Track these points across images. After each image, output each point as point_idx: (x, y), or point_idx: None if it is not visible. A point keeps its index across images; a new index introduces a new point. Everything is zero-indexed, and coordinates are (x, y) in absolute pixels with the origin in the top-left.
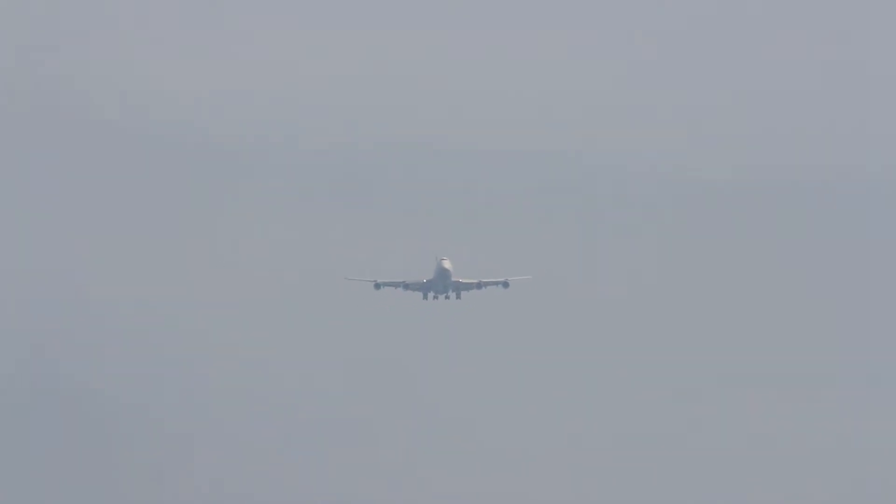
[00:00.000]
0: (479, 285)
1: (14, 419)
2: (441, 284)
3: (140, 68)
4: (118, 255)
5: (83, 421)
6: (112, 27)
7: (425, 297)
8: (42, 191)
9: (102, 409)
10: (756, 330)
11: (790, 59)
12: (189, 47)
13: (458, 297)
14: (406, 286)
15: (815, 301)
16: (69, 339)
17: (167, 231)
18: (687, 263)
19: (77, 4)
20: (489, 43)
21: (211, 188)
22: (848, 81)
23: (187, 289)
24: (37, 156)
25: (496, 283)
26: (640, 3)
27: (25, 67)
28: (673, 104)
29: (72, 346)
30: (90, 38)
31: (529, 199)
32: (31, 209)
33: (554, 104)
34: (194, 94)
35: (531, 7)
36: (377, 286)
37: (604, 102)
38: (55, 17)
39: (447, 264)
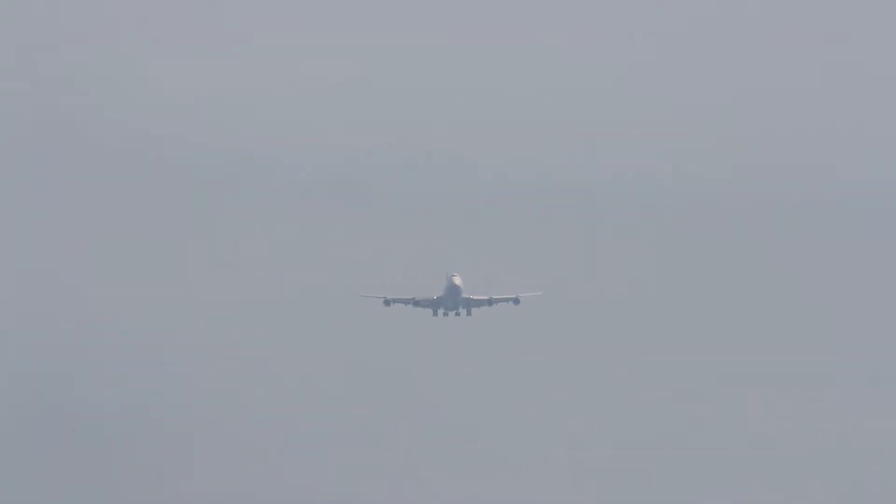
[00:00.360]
0: (489, 302)
1: (13, 422)
2: (451, 301)
3: (141, 70)
4: (118, 264)
5: (82, 426)
6: (111, 28)
7: (435, 313)
8: (40, 193)
9: (104, 418)
10: (764, 333)
11: (790, 59)
12: (189, 49)
13: (469, 313)
14: (416, 303)
15: (815, 302)
16: (66, 344)
17: (168, 236)
18: (695, 274)
19: (76, 5)
20: (491, 45)
21: (216, 195)
22: (848, 82)
23: (197, 305)
24: (35, 157)
25: (507, 300)
26: (639, 4)
27: (24, 68)
28: (673, 105)
29: (69, 351)
30: (89, 38)
31: (536, 211)
32: (30, 211)
33: (554, 107)
34: (195, 97)
35: (531, 8)
36: (387, 302)
37: (604, 105)
38: (54, 17)
39: (458, 280)
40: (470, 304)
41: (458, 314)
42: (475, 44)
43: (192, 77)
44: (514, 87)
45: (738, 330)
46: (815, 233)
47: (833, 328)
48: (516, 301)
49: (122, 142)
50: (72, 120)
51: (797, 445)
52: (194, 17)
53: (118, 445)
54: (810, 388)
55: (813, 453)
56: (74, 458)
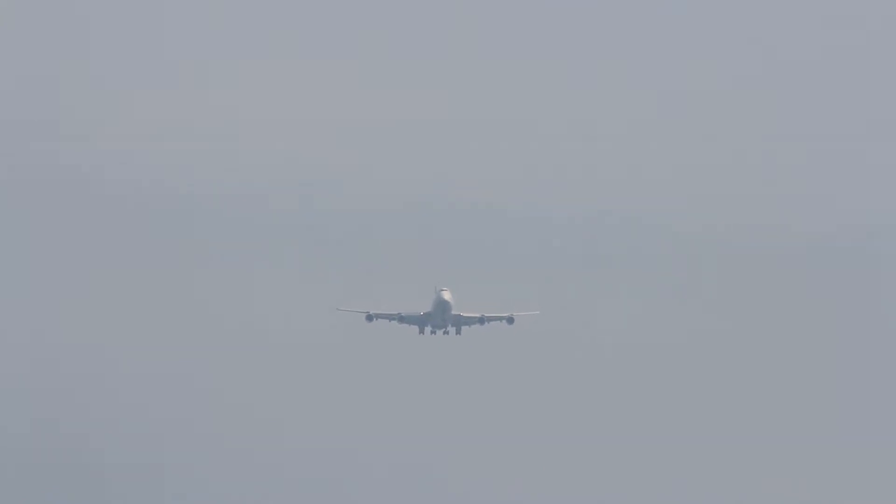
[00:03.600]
0: (481, 320)
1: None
2: (440, 318)
3: (119, 120)
4: (86, 309)
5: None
6: (84, 79)
7: (422, 331)
8: (8, 251)
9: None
10: (755, 376)
11: (796, 128)
12: (171, 99)
13: (459, 332)
14: (401, 319)
15: (819, 359)
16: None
17: (137, 281)
18: (687, 303)
19: (46, 53)
20: (478, 90)
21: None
22: (857, 141)
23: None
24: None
25: (500, 319)
26: (640, 61)
27: None
28: (673, 158)
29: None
30: (60, 85)
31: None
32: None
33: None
34: (169, 147)
35: (530, 63)
36: (369, 318)
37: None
38: (25, 67)
39: (447, 296)
40: (460, 322)
41: (446, 332)
42: (440, 71)
43: (164, 130)
44: (509, 135)
45: (736, 368)
46: (818, 289)
47: (836, 385)
48: (510, 320)
49: (96, 198)
50: (38, 174)
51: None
52: (177, 70)
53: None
54: (813, 441)
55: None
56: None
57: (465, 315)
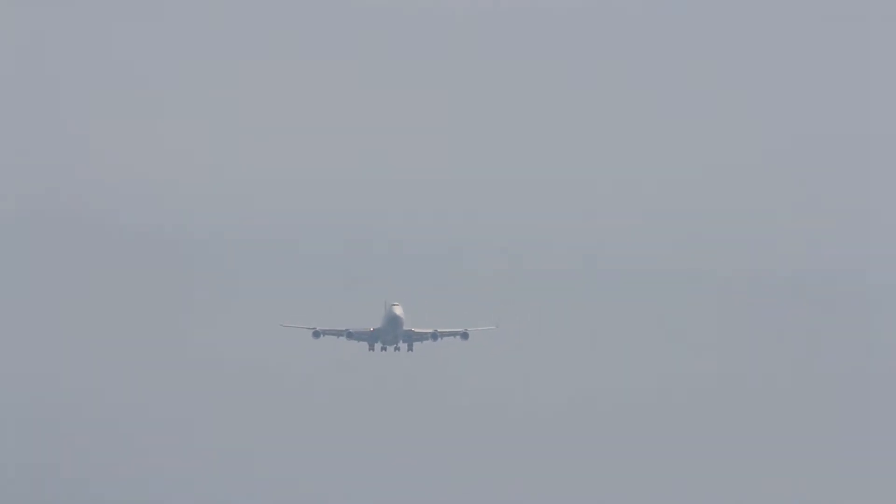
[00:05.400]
0: (434, 335)
1: None
2: (391, 333)
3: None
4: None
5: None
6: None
7: (371, 347)
8: None
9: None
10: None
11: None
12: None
13: (410, 348)
14: (349, 335)
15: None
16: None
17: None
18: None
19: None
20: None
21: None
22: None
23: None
24: None
25: (454, 334)
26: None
27: None
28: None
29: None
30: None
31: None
32: None
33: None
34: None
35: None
36: (316, 334)
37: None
38: None
39: (398, 310)
40: (412, 338)
41: (397, 349)
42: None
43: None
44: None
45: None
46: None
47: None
48: (465, 335)
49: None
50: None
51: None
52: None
53: None
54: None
55: None
56: None
57: (416, 330)
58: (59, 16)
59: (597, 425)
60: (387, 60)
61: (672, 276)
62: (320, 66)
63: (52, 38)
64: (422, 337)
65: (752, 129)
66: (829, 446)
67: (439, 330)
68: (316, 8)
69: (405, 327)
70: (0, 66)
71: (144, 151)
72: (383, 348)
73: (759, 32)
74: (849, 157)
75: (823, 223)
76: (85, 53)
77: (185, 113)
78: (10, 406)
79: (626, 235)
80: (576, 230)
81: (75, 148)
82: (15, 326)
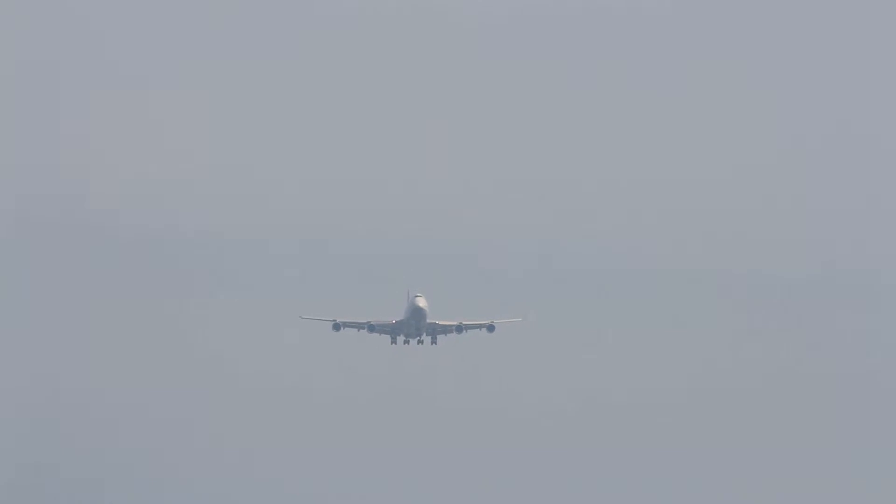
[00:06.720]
0: (458, 328)
1: None
2: (414, 326)
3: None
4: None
5: None
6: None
7: (394, 341)
8: None
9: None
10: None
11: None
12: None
13: (434, 341)
14: (371, 328)
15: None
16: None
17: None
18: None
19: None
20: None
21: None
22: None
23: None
24: None
25: (479, 327)
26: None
27: None
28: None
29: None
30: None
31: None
32: None
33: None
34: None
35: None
36: (336, 327)
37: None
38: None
39: (422, 302)
40: (436, 331)
41: (420, 342)
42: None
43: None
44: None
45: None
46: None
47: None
48: (490, 328)
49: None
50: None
51: None
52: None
53: None
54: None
55: None
56: None
57: (441, 323)
58: (59, 16)
59: (596, 426)
60: (388, 61)
61: (672, 276)
62: (321, 66)
63: (53, 37)
64: (446, 329)
65: (752, 130)
66: (829, 446)
67: (464, 322)
68: (316, 8)
69: (429, 320)
70: (0, 67)
71: (144, 151)
72: (406, 341)
73: (759, 33)
74: (849, 158)
75: (823, 223)
76: (85, 53)
77: (185, 113)
78: (10, 406)
79: (626, 235)
80: (576, 230)
81: (75, 148)
82: (15, 326)
